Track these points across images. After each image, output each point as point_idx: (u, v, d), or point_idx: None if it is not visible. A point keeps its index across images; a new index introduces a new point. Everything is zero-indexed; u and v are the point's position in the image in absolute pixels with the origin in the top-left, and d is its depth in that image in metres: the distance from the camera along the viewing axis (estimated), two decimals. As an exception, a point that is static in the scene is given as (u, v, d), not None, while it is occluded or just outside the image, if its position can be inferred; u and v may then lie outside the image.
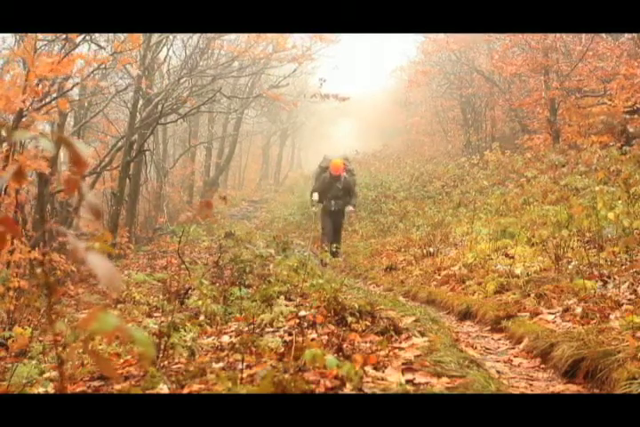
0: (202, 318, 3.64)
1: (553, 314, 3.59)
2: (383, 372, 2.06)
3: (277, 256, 5.31)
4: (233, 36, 13.89)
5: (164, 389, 1.96)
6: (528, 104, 11.51)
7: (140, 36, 10.49)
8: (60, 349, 1.09)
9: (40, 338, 3.88)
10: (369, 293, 5.45)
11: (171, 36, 12.39)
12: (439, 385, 1.93)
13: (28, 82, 6.36)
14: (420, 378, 2.00)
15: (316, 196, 8.71)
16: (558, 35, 10.91)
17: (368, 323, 2.87)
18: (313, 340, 2.51)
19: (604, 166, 7.92)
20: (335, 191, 8.67)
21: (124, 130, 12.93)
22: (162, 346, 2.39)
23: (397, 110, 26.40)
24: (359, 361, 2.01)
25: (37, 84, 6.93)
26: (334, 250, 7.30)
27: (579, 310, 3.43)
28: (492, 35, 13.69)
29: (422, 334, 2.81)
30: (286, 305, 3.32)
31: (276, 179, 31.99)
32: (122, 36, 10.21)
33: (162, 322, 2.78)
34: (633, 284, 3.67)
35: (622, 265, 4.13)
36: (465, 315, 4.45)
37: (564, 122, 11.00)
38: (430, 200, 12.36)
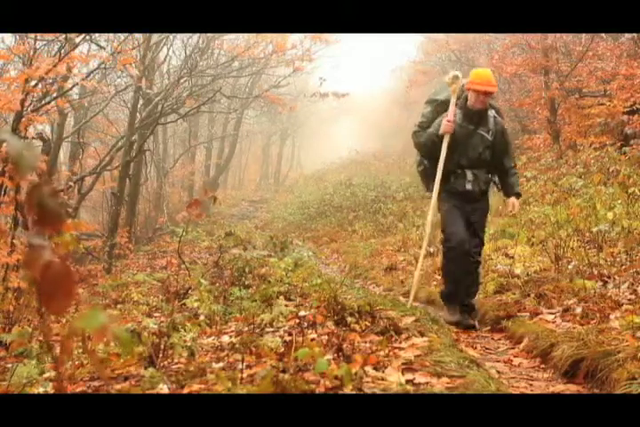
0: (202, 318, 3.64)
1: (553, 314, 3.59)
2: (383, 372, 2.06)
3: (273, 258, 5.31)
4: (233, 35, 13.90)
5: (164, 389, 1.96)
6: (528, 104, 11.50)
7: (140, 36, 10.50)
8: (57, 349, 1.09)
9: (40, 338, 3.88)
10: (369, 293, 5.45)
11: (171, 36, 12.40)
12: (439, 385, 1.93)
13: (26, 83, 6.36)
14: (419, 378, 2.00)
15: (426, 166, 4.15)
16: (558, 35, 10.90)
17: (368, 323, 2.86)
18: (313, 340, 2.51)
19: (602, 167, 7.93)
20: (476, 150, 3.94)
21: (124, 130, 12.94)
22: (162, 346, 2.39)
23: (397, 110, 26.43)
24: (359, 361, 2.01)
25: (36, 85, 6.92)
26: (468, 302, 3.93)
27: (579, 310, 3.43)
28: (491, 35, 13.69)
29: (422, 334, 2.81)
30: (286, 305, 3.31)
31: (276, 179, 32.01)
32: (122, 36, 10.21)
33: (162, 322, 2.78)
34: (633, 284, 3.67)
35: (622, 265, 4.13)
36: (465, 315, 4.44)
37: (564, 122, 11.00)
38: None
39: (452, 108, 3.86)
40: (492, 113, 4.00)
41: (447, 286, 4.01)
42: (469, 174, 3.94)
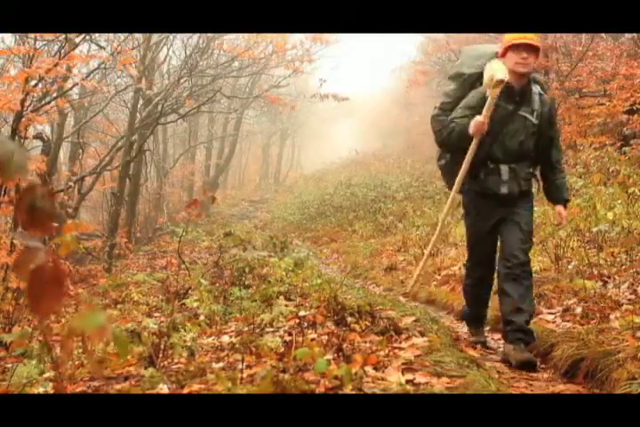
0: (202, 318, 3.64)
1: (553, 314, 3.60)
2: (383, 372, 2.06)
3: (273, 258, 5.31)
4: (233, 35, 13.91)
5: (164, 389, 1.96)
6: (528, 104, 11.48)
7: (140, 36, 10.51)
8: (57, 349, 1.09)
9: (40, 338, 3.88)
10: (369, 293, 5.45)
11: (171, 36, 12.41)
12: (439, 385, 1.93)
13: (26, 83, 6.37)
14: (419, 378, 2.00)
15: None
16: (558, 35, 10.90)
17: (368, 323, 2.87)
18: (313, 340, 2.51)
19: (602, 167, 7.92)
20: (517, 137, 3.04)
21: (124, 130, 12.94)
22: (162, 346, 2.39)
23: (397, 110, 26.43)
24: (359, 361, 2.01)
25: (36, 84, 6.93)
26: (520, 325, 2.84)
27: (579, 310, 3.44)
28: (491, 35, 13.68)
29: (422, 334, 2.81)
30: (286, 305, 3.32)
31: (276, 179, 32.03)
32: (122, 36, 10.22)
33: (162, 322, 2.78)
34: (633, 284, 3.68)
35: (622, 265, 4.13)
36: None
37: (564, 122, 11.00)
38: (430, 200, 12.36)
39: (486, 109, 2.92)
40: (536, 89, 3.06)
41: (470, 308, 3.39)
42: (505, 171, 3.01)
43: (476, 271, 3.24)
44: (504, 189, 3.02)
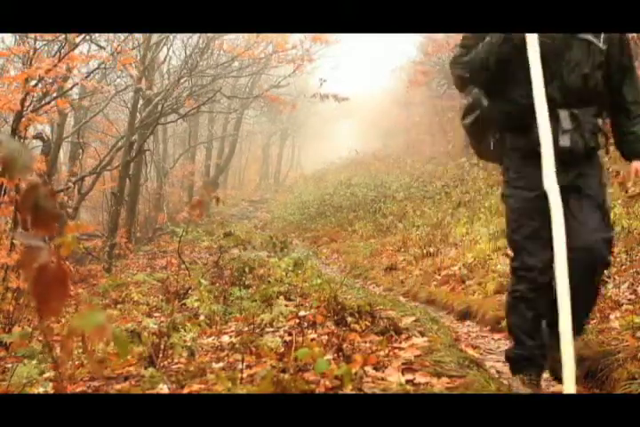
0: (202, 318, 3.65)
1: (553, 314, 3.59)
2: (383, 372, 2.06)
3: (272, 258, 5.32)
4: (233, 35, 13.92)
5: (164, 389, 1.96)
6: (528, 104, 11.48)
7: (140, 36, 10.52)
8: (57, 349, 1.09)
9: (40, 338, 3.88)
10: (369, 293, 5.45)
11: (171, 36, 12.42)
12: (439, 385, 1.93)
13: (26, 83, 6.37)
14: (419, 378, 2.00)
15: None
16: (558, 35, 10.90)
17: (368, 323, 2.87)
18: (313, 340, 2.51)
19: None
20: (579, 70, 2.13)
21: (124, 130, 12.95)
22: (162, 346, 2.39)
23: (397, 110, 26.45)
24: (359, 361, 2.01)
25: (36, 84, 6.93)
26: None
27: (579, 310, 3.43)
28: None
29: (422, 334, 2.82)
30: (286, 305, 3.32)
31: (275, 179, 32.04)
32: (122, 36, 10.23)
33: (162, 322, 2.78)
34: (633, 284, 3.68)
35: (622, 265, 4.13)
36: (465, 315, 4.45)
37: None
38: (430, 200, 12.36)
39: None
40: None
41: (519, 342, 2.28)
42: (565, 118, 2.14)
43: (524, 265, 2.21)
44: (564, 141, 2.12)
